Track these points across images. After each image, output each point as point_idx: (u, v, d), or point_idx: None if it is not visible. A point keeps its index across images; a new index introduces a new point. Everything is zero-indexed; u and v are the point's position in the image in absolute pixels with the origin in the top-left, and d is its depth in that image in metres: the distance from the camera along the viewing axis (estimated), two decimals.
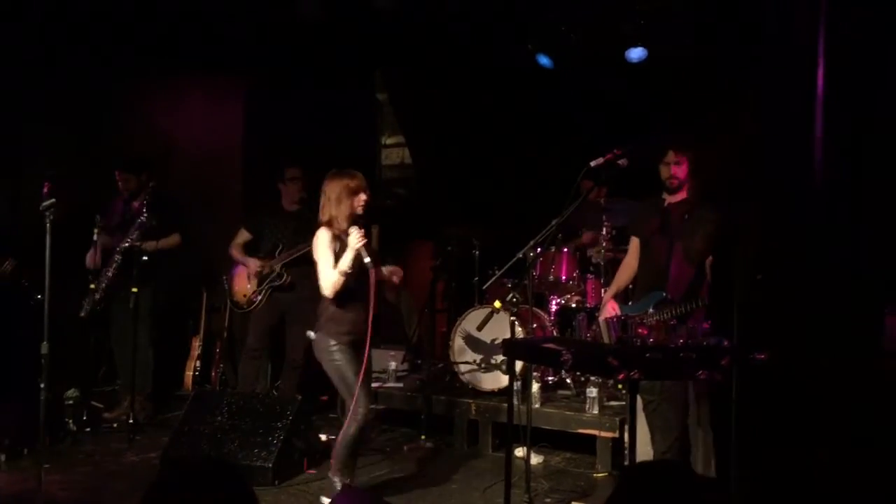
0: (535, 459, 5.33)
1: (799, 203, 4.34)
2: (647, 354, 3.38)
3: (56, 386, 5.46)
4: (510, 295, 4.31)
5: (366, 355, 4.39)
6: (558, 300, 6.39)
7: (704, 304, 4.31)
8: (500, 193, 7.68)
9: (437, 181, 8.30)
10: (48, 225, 4.30)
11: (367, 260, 4.28)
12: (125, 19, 6.67)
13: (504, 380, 5.75)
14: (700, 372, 3.40)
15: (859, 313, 4.31)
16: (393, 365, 6.46)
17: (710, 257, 4.49)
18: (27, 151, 6.79)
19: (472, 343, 6.03)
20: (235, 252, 6.31)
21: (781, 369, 3.84)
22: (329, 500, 4.47)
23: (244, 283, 6.27)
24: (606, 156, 4.24)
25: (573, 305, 6.30)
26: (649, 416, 4.57)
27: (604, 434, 5.31)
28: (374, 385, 5.30)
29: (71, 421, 5.87)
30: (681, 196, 4.56)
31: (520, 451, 4.88)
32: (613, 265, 5.64)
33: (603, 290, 5.78)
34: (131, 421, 5.81)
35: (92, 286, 6.10)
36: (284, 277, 6.11)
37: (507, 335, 4.44)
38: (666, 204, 4.61)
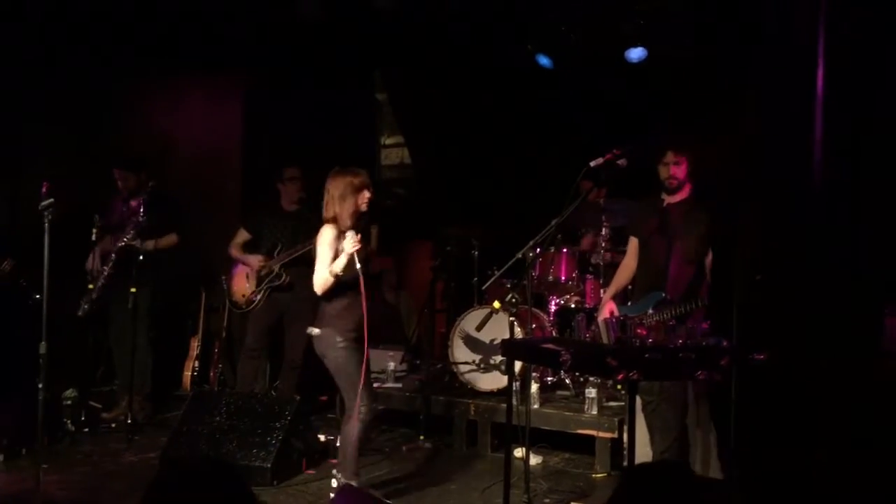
0: (534, 460, 5.32)
1: (798, 203, 4.34)
2: (647, 355, 3.37)
3: (54, 386, 5.46)
4: (509, 295, 4.30)
5: (366, 355, 4.41)
6: (557, 300, 6.39)
7: (704, 305, 4.31)
8: (499, 193, 7.68)
9: (436, 181, 8.30)
10: (47, 225, 4.30)
11: (358, 266, 4.28)
12: (125, 19, 6.67)
13: (503, 380, 5.74)
14: (699, 372, 3.40)
15: (859, 314, 4.31)
16: (392, 365, 6.46)
17: (710, 259, 4.48)
18: (27, 151, 6.79)
19: (472, 343, 6.03)
20: (235, 251, 6.30)
21: (781, 370, 3.84)
22: None
23: (243, 283, 6.26)
24: (606, 156, 4.23)
25: (572, 306, 6.30)
26: (648, 416, 4.57)
27: (603, 434, 5.31)
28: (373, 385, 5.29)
29: (69, 421, 5.86)
30: (680, 196, 4.56)
31: (519, 452, 4.88)
32: (612, 265, 5.64)
33: (602, 291, 5.77)
34: (130, 421, 5.80)
35: (91, 286, 6.10)
36: (283, 278, 6.10)
37: (507, 335, 4.43)
38: (665, 204, 4.60)
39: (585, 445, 5.43)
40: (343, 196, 4.41)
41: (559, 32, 6.71)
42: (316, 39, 7.14)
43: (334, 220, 4.41)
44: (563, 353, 3.63)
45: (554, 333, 6.08)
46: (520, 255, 4.30)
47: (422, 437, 5.92)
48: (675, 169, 4.49)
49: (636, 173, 4.36)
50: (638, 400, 4.32)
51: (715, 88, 5.90)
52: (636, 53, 6.61)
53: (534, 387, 5.51)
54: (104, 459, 5.43)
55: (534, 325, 5.85)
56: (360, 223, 4.53)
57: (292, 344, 6.22)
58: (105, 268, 6.07)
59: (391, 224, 7.40)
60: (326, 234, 4.39)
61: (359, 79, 8.39)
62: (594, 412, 5.39)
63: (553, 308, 6.37)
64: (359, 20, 6.99)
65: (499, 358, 5.85)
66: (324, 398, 6.50)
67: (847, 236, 4.35)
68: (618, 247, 5.97)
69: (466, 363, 6.02)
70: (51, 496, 4.60)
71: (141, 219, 5.83)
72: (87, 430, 5.95)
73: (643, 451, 4.58)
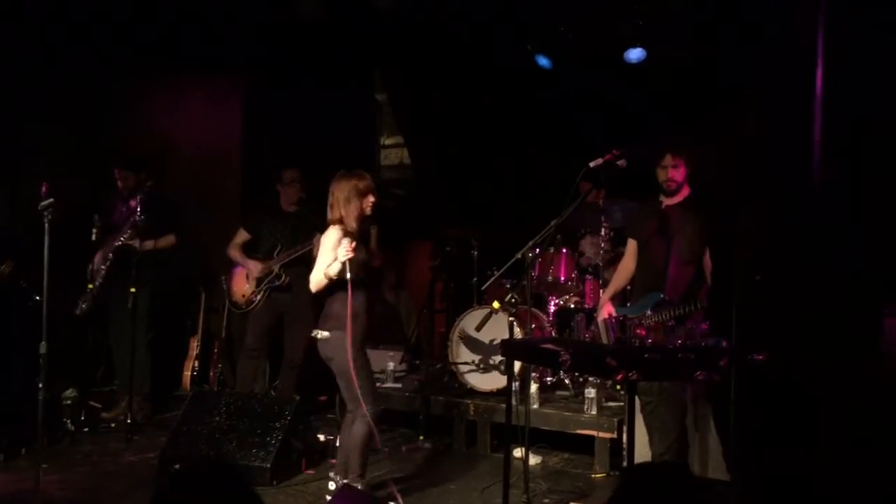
0: (534, 460, 5.33)
1: (798, 204, 4.33)
2: (646, 355, 3.38)
3: (54, 386, 5.46)
4: (509, 295, 4.30)
5: (349, 356, 4.41)
6: (557, 301, 6.39)
7: (703, 306, 4.31)
8: (499, 194, 7.68)
9: (435, 181, 8.30)
10: (46, 225, 4.30)
11: (348, 275, 4.29)
12: (125, 19, 6.67)
13: (502, 380, 5.75)
14: (698, 373, 3.40)
15: (858, 314, 4.30)
16: (391, 365, 6.46)
17: (709, 260, 4.48)
18: (27, 151, 6.79)
19: (471, 343, 6.03)
20: (234, 252, 6.30)
21: (780, 370, 3.83)
22: None
23: (242, 284, 6.27)
24: (605, 157, 4.23)
25: (571, 306, 6.31)
26: (647, 417, 4.57)
27: (602, 435, 5.31)
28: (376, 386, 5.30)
29: (69, 421, 5.87)
30: (678, 198, 4.57)
31: (518, 452, 4.88)
32: (612, 266, 5.64)
33: (601, 291, 5.78)
34: (129, 421, 5.80)
35: (90, 286, 6.10)
36: (283, 278, 6.11)
37: (506, 336, 4.43)
38: (663, 206, 4.61)
39: (585, 446, 5.44)
40: (348, 200, 4.43)
41: (558, 33, 6.71)
42: (316, 39, 7.14)
43: (340, 222, 4.43)
44: (562, 353, 3.64)
45: (553, 334, 6.08)
46: (519, 256, 4.31)
47: (421, 438, 5.93)
48: (673, 172, 4.50)
49: (635, 174, 4.37)
50: (637, 400, 4.33)
51: (714, 89, 5.90)
52: (635, 54, 6.61)
53: (533, 387, 5.51)
54: (104, 459, 5.43)
55: (533, 326, 5.85)
56: (365, 225, 4.55)
57: (292, 344, 6.23)
58: (103, 267, 6.07)
59: (391, 224, 7.41)
60: (331, 236, 4.41)
61: (359, 79, 8.39)
62: (593, 412, 5.40)
63: (552, 308, 6.38)
64: (359, 20, 6.98)
65: (498, 358, 5.85)
66: (323, 398, 6.50)
67: (846, 236, 4.35)
68: (617, 248, 5.98)
69: (466, 363, 6.03)
70: (50, 496, 4.60)
71: (138, 219, 5.83)
72: (86, 429, 5.96)
73: (642, 452, 4.58)
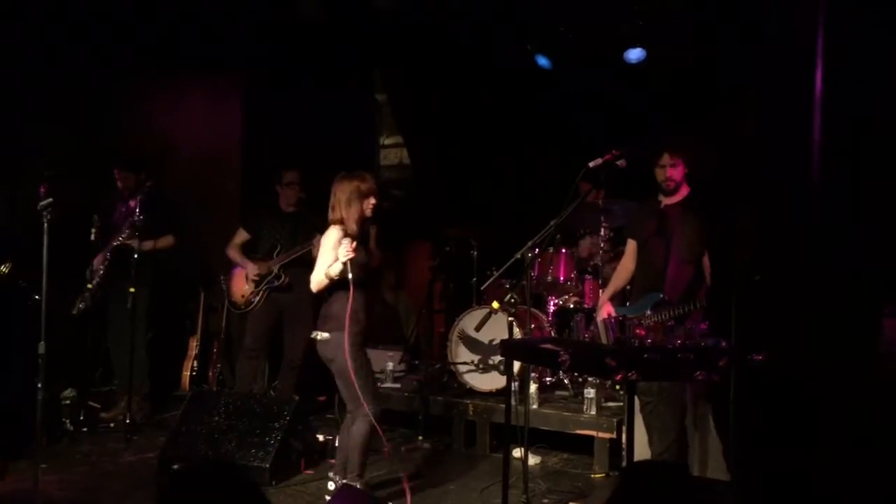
0: (533, 460, 5.33)
1: (797, 204, 4.33)
2: (645, 355, 3.37)
3: (53, 386, 5.46)
4: (508, 295, 4.30)
5: (347, 356, 4.41)
6: (556, 301, 6.39)
7: (702, 306, 4.30)
8: (498, 194, 7.68)
9: (435, 182, 8.30)
10: (45, 225, 4.30)
11: (349, 275, 4.29)
12: (125, 19, 6.67)
13: (502, 380, 5.75)
14: (698, 373, 3.39)
15: (857, 314, 4.30)
16: (391, 365, 6.46)
17: (708, 264, 4.48)
18: (27, 151, 6.78)
19: (470, 343, 6.03)
20: (233, 253, 6.30)
21: (779, 370, 3.83)
22: None
23: (242, 284, 6.26)
24: (605, 157, 4.23)
25: (571, 306, 6.30)
26: (647, 417, 4.57)
27: (601, 435, 5.31)
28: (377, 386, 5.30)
29: (68, 421, 5.87)
30: (677, 198, 4.56)
31: (517, 452, 4.88)
32: (611, 266, 5.64)
33: (600, 291, 5.77)
34: (128, 421, 5.80)
35: (89, 286, 6.10)
36: (282, 278, 6.11)
37: (505, 336, 4.43)
38: (662, 206, 4.61)
39: (584, 446, 5.44)
40: (349, 201, 4.44)
41: (558, 33, 6.71)
42: (316, 39, 7.15)
43: (341, 222, 4.44)
44: (561, 353, 3.63)
45: (552, 334, 6.08)
46: (518, 256, 4.31)
47: (420, 438, 5.92)
48: (671, 171, 4.50)
49: (635, 174, 4.37)
50: (636, 400, 4.33)
51: (714, 89, 5.90)
52: (635, 54, 6.62)
53: (532, 387, 5.51)
54: (103, 459, 5.43)
55: (532, 326, 5.85)
56: (366, 227, 4.56)
57: (291, 344, 6.22)
58: (101, 267, 6.07)
59: (390, 224, 7.41)
60: (332, 236, 4.41)
61: (358, 79, 8.39)
62: (593, 412, 5.40)
63: (552, 308, 6.38)
64: (359, 20, 6.99)
65: (497, 358, 5.85)
66: (322, 398, 6.50)
67: (845, 237, 4.35)
68: (616, 248, 5.98)
69: (465, 363, 6.03)
70: (49, 496, 4.60)
71: (137, 219, 5.83)
72: (85, 429, 5.96)
73: (642, 452, 4.58)
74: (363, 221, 4.50)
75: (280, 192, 6.27)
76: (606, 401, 5.56)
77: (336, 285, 4.40)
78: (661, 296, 4.39)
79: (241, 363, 6.35)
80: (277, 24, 6.96)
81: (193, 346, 7.12)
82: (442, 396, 6.03)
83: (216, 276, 6.60)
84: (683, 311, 4.27)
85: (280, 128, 7.53)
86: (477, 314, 5.93)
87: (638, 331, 3.59)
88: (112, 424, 6.13)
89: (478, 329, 5.82)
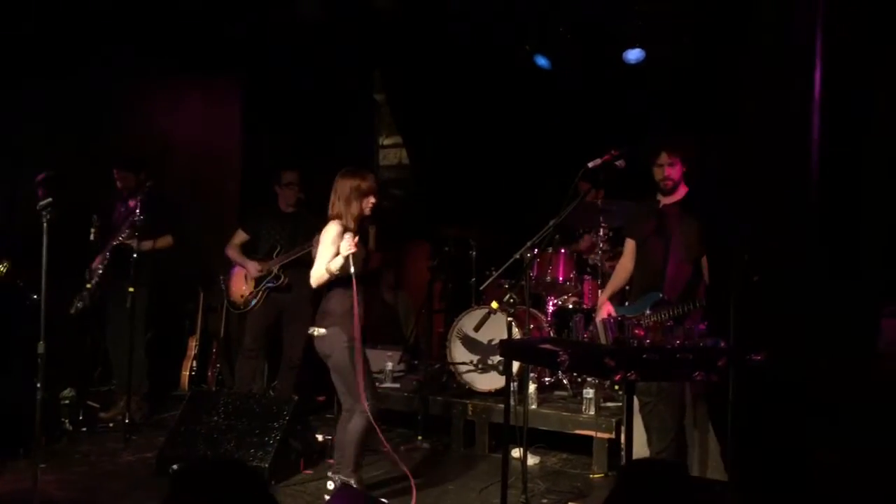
0: (532, 460, 5.33)
1: (796, 204, 4.34)
2: (644, 355, 3.38)
3: (52, 386, 5.45)
4: (507, 295, 4.30)
5: (358, 355, 4.46)
6: (555, 301, 6.40)
7: (701, 306, 4.31)
8: (497, 194, 7.68)
9: (434, 182, 8.30)
10: (45, 225, 4.30)
11: (352, 269, 4.30)
12: (125, 19, 6.67)
13: (501, 380, 5.75)
14: (697, 373, 3.40)
15: (855, 315, 4.31)
16: (390, 365, 6.46)
17: (707, 265, 4.48)
18: (26, 151, 6.78)
19: (469, 344, 6.03)
20: (233, 253, 6.30)
21: (778, 370, 3.84)
22: None
23: (241, 284, 6.27)
24: (604, 157, 4.24)
25: (570, 306, 6.31)
26: (646, 417, 4.57)
27: (600, 435, 5.31)
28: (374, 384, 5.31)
29: (67, 421, 5.87)
30: (676, 197, 4.56)
31: (516, 452, 4.88)
32: (610, 266, 5.64)
33: (599, 291, 5.78)
34: (127, 421, 5.80)
35: (88, 285, 6.10)
36: (282, 279, 6.11)
37: (504, 336, 4.43)
38: (661, 206, 4.61)
39: (583, 446, 5.44)
40: (348, 199, 4.46)
41: (557, 33, 6.71)
42: (315, 39, 7.15)
43: (339, 217, 4.45)
44: (560, 353, 3.63)
45: (552, 334, 6.08)
46: (517, 256, 4.31)
47: (420, 438, 5.93)
48: (669, 170, 4.50)
49: (634, 174, 4.37)
50: (635, 401, 4.33)
51: (713, 89, 5.90)
52: (634, 54, 6.62)
53: (531, 387, 5.51)
54: (102, 459, 5.43)
55: (532, 326, 5.86)
56: (365, 225, 4.56)
57: (291, 344, 6.23)
58: (100, 266, 6.07)
59: (389, 224, 7.42)
60: (331, 231, 4.43)
61: (358, 79, 8.39)
62: (592, 413, 5.40)
63: (551, 308, 6.38)
64: (358, 20, 6.99)
65: (497, 358, 5.85)
66: (322, 398, 6.50)
67: (843, 238, 4.36)
68: (615, 248, 5.98)
69: (464, 363, 6.03)
70: (48, 496, 4.60)
71: (137, 219, 5.83)
72: (84, 429, 5.96)
73: (640, 452, 4.58)
74: (361, 219, 4.51)
75: (279, 193, 6.27)
76: (605, 401, 5.56)
77: (335, 282, 4.41)
78: (661, 295, 4.40)
79: (241, 363, 6.35)
80: (277, 24, 6.96)
81: (192, 346, 7.12)
82: (441, 396, 6.03)
83: (215, 277, 6.60)
84: (682, 311, 4.27)
85: (279, 128, 7.53)
86: (476, 314, 5.93)
87: (637, 331, 3.59)
88: (111, 424, 6.13)
89: (477, 329, 5.82)
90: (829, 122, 4.20)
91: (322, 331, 4.47)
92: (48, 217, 4.31)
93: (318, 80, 7.64)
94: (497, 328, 5.66)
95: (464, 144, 7.80)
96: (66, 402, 5.92)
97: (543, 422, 5.53)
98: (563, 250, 6.30)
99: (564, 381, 6.03)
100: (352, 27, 7.13)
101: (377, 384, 6.13)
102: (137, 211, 5.82)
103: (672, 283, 4.42)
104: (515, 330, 4.37)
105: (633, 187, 4.98)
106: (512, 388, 4.47)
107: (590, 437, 5.36)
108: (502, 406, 4.68)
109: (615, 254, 5.89)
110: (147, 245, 6.01)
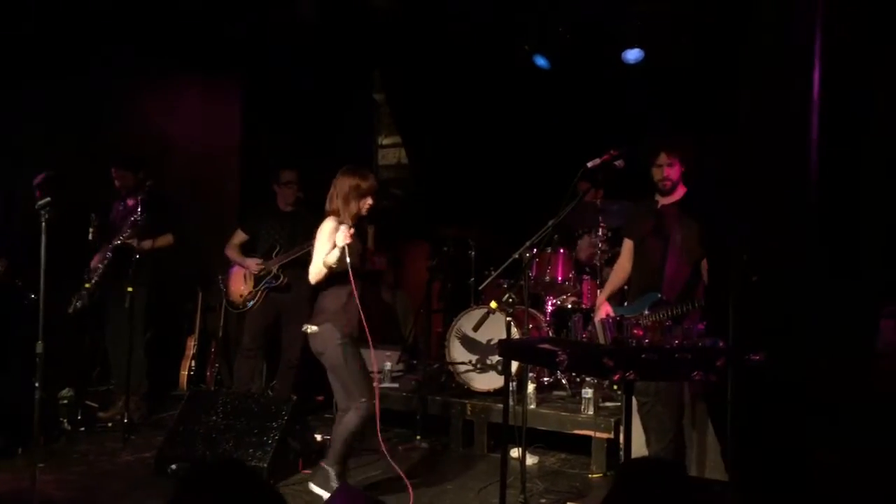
0: (531, 460, 5.33)
1: (795, 204, 4.34)
2: (643, 355, 3.37)
3: (51, 385, 5.44)
4: (506, 295, 4.30)
5: (371, 351, 4.50)
6: (554, 301, 6.40)
7: (700, 306, 4.30)
8: (496, 194, 7.68)
9: (433, 181, 8.30)
10: (43, 224, 4.29)
11: (348, 259, 4.30)
12: (125, 19, 6.66)
13: (500, 380, 5.75)
14: (695, 373, 3.40)
15: (855, 315, 4.31)
16: (388, 365, 6.46)
17: (707, 266, 4.48)
18: (25, 150, 6.78)
19: (468, 343, 6.03)
20: (232, 253, 6.30)
21: (777, 370, 3.83)
22: (317, 487, 4.51)
23: (240, 283, 6.26)
24: (603, 156, 4.23)
25: (569, 306, 6.31)
26: (644, 417, 4.57)
27: (599, 435, 5.31)
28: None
29: (66, 420, 5.87)
30: (674, 197, 4.56)
31: (515, 452, 4.88)
32: (610, 266, 5.64)
33: (598, 291, 5.77)
34: (126, 420, 5.79)
35: (87, 285, 6.09)
36: (281, 278, 6.11)
37: (503, 336, 4.42)
38: (659, 206, 4.61)
39: (582, 446, 5.44)
40: (346, 198, 4.46)
41: (556, 33, 6.71)
42: (314, 39, 7.15)
43: (336, 213, 4.45)
44: (559, 353, 3.63)
45: (550, 334, 6.08)
46: (516, 256, 4.31)
47: (418, 437, 5.92)
48: (668, 170, 4.50)
49: (634, 174, 4.37)
50: (634, 401, 4.33)
51: (712, 89, 5.90)
52: (633, 54, 6.62)
53: (530, 387, 5.51)
54: (100, 459, 5.42)
55: (530, 326, 5.86)
56: (363, 224, 4.57)
57: (289, 344, 6.22)
58: (100, 266, 6.06)
59: (388, 224, 7.42)
60: (326, 227, 4.44)
61: (357, 79, 8.39)
62: (590, 412, 5.39)
63: (550, 308, 6.38)
64: (357, 20, 6.99)
65: (495, 358, 5.85)
66: (320, 398, 6.49)
67: (843, 237, 4.36)
68: (615, 248, 5.98)
69: (463, 363, 6.03)
70: (47, 495, 4.59)
71: (138, 218, 5.83)
72: (83, 429, 5.96)
73: (639, 452, 4.59)
74: (358, 219, 4.51)
75: (278, 192, 6.27)
76: (604, 401, 5.56)
77: (332, 279, 4.41)
78: (659, 296, 4.39)
79: (239, 363, 6.35)
80: (277, 24, 6.96)
81: (191, 345, 7.11)
82: (440, 396, 6.03)
83: (214, 276, 6.60)
84: (681, 311, 4.27)
85: (279, 127, 7.53)
86: (475, 314, 5.93)
87: (635, 331, 3.59)
88: (110, 424, 6.12)
89: (476, 329, 5.81)
90: (828, 122, 4.20)
91: (314, 328, 4.47)
92: (47, 216, 4.30)
93: (317, 80, 7.64)
94: (496, 328, 5.66)
95: (463, 144, 7.80)
96: (65, 401, 5.91)
97: (542, 422, 5.53)
98: (561, 250, 6.30)
99: (563, 381, 6.03)
100: (351, 27, 7.13)
101: (376, 384, 6.14)
102: (139, 210, 5.82)
103: (670, 284, 4.42)
104: (514, 330, 4.37)
105: (632, 187, 4.98)
106: (511, 388, 4.48)
107: (588, 437, 5.36)
108: (501, 406, 4.68)
109: (614, 254, 5.89)
110: (147, 244, 6.01)
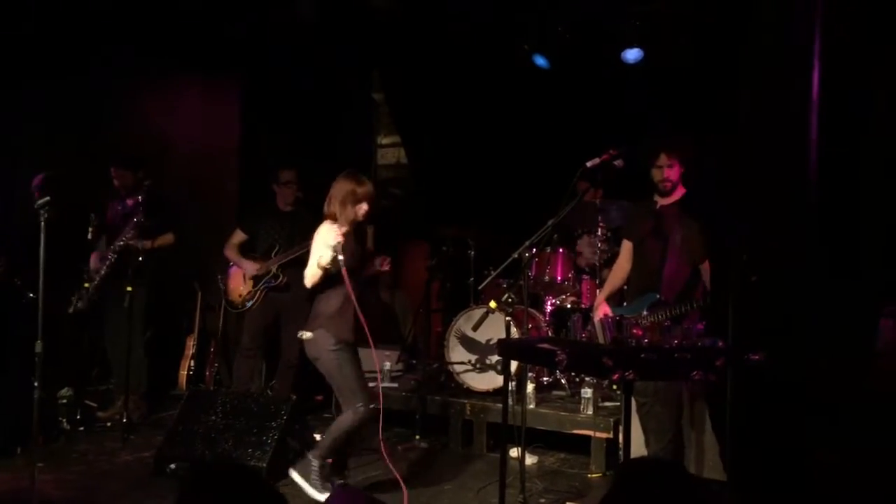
0: (530, 460, 5.33)
1: (794, 204, 4.34)
2: (642, 355, 3.37)
3: (50, 385, 5.45)
4: (505, 295, 4.30)
5: (372, 351, 4.49)
6: (553, 300, 6.40)
7: (699, 306, 4.30)
8: (496, 193, 7.68)
9: (432, 181, 8.30)
10: (42, 224, 4.29)
11: (340, 258, 4.30)
12: (125, 19, 6.66)
13: (499, 380, 5.74)
14: (694, 373, 3.39)
15: (854, 315, 4.31)
16: (388, 365, 6.45)
17: (708, 267, 4.48)
18: (24, 150, 6.78)
19: (468, 343, 6.03)
20: (231, 253, 6.30)
21: (778, 370, 3.84)
22: (297, 475, 4.52)
23: (239, 283, 6.26)
24: (602, 156, 4.23)
25: (568, 306, 6.31)
26: (643, 417, 4.57)
27: (598, 435, 5.31)
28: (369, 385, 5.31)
29: (65, 420, 5.87)
30: (673, 198, 4.56)
31: (514, 452, 4.88)
32: (609, 266, 5.64)
33: (598, 291, 5.77)
34: (125, 420, 5.79)
35: (87, 285, 6.09)
36: (280, 278, 6.11)
37: (503, 335, 4.43)
38: (658, 207, 4.60)
39: (581, 445, 5.44)
40: (343, 203, 4.47)
41: (556, 33, 6.72)
42: (314, 39, 7.15)
43: (333, 218, 4.45)
44: (558, 353, 3.63)
45: (550, 333, 6.08)
46: (516, 256, 4.31)
47: (417, 437, 5.92)
48: (668, 171, 4.49)
49: (633, 174, 4.37)
50: (633, 401, 4.33)
51: (711, 89, 5.90)
52: (633, 54, 6.62)
53: (530, 387, 5.51)
54: (99, 458, 5.42)
55: (530, 326, 5.86)
56: (363, 225, 4.57)
57: (289, 343, 6.22)
58: (102, 266, 6.06)
59: (387, 224, 7.42)
60: (323, 230, 4.42)
61: (356, 79, 8.39)
62: (590, 412, 5.39)
63: (549, 308, 6.38)
64: (357, 20, 6.99)
65: (495, 358, 5.85)
66: (320, 398, 6.49)
67: (843, 237, 4.36)
68: (614, 248, 5.98)
69: (462, 363, 6.03)
70: (46, 495, 4.58)
71: (140, 219, 5.83)
72: (82, 429, 5.95)
73: (638, 452, 4.58)
74: (355, 224, 4.51)
75: (277, 192, 6.27)
76: (603, 401, 5.56)
77: (327, 282, 4.41)
78: (658, 296, 4.39)
79: (238, 362, 6.35)
80: (276, 24, 6.96)
81: (190, 345, 7.11)
82: (439, 396, 6.03)
83: (214, 276, 6.60)
84: (680, 312, 4.27)
85: (278, 127, 7.53)
86: (474, 314, 5.93)
87: (635, 331, 3.59)
88: (109, 423, 6.12)
89: (475, 329, 5.82)
90: (827, 122, 4.20)
91: (309, 334, 4.48)
92: (46, 216, 4.30)
93: (317, 80, 7.64)
94: (495, 328, 5.66)
95: (462, 144, 7.80)
96: (64, 401, 5.92)
97: (541, 421, 5.53)
98: (561, 250, 6.30)
99: (562, 381, 6.03)
100: (350, 27, 7.13)
101: (375, 384, 6.14)
102: (140, 210, 5.82)
103: (669, 284, 4.41)
104: (513, 329, 4.37)
105: (631, 187, 4.98)
106: (510, 388, 4.48)
107: (588, 437, 5.36)
108: (500, 405, 4.67)
109: (613, 254, 5.89)
110: (147, 244, 6.01)
